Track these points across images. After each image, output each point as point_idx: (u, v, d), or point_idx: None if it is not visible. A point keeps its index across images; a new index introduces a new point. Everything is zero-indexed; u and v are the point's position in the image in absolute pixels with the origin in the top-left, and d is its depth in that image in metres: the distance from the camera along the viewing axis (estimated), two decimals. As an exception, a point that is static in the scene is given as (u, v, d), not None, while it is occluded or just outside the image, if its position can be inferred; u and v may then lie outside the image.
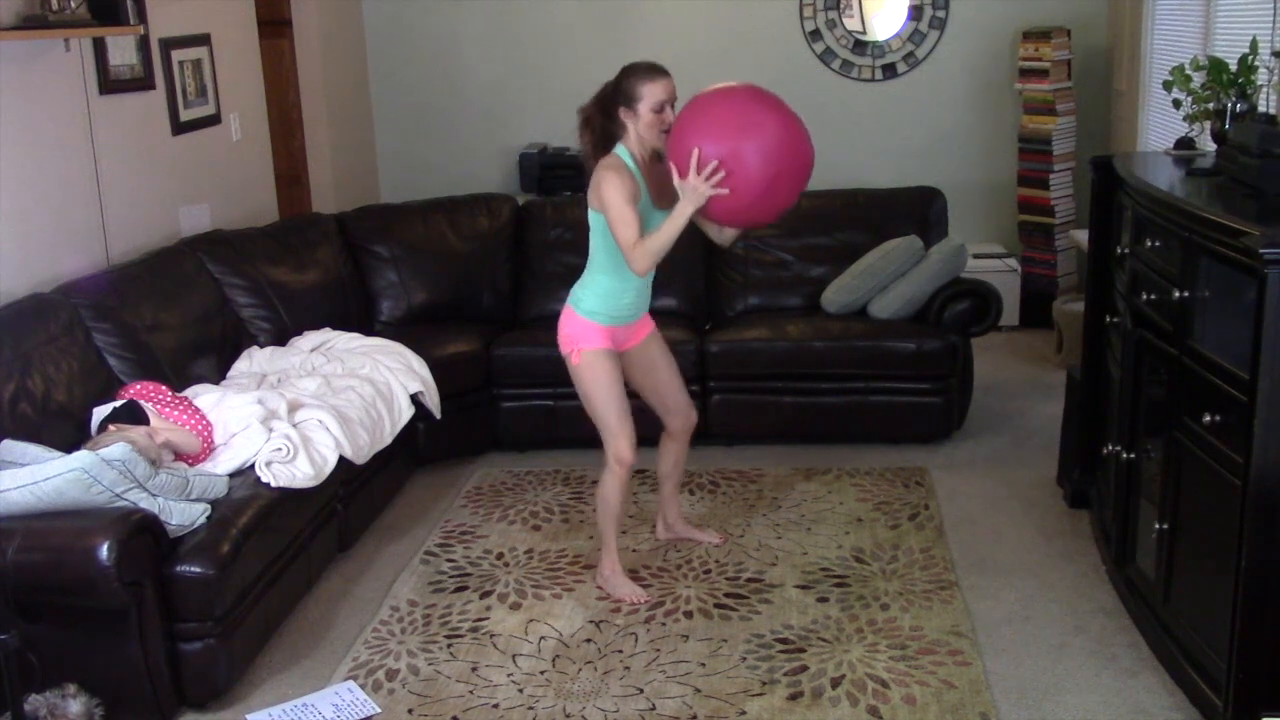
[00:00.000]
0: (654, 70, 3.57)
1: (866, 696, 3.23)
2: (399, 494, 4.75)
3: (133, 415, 3.63)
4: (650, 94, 3.53)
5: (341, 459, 3.98)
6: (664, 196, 3.59)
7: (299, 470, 3.74)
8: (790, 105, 3.49)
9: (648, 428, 3.97)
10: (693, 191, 3.37)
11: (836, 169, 6.79)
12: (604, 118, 3.63)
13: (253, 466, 3.71)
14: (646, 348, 3.87)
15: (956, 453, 4.98)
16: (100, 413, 3.73)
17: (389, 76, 7.24)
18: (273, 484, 3.64)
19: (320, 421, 4.01)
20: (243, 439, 3.80)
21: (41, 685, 3.04)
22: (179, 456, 3.70)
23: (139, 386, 3.89)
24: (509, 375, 5.07)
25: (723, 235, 3.82)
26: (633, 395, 3.86)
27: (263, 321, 4.90)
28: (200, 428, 3.79)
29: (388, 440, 4.38)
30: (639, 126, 3.57)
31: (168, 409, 3.79)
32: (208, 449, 3.78)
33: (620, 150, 3.61)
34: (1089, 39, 6.66)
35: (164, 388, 3.94)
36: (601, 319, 3.69)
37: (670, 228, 3.45)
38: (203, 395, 4.01)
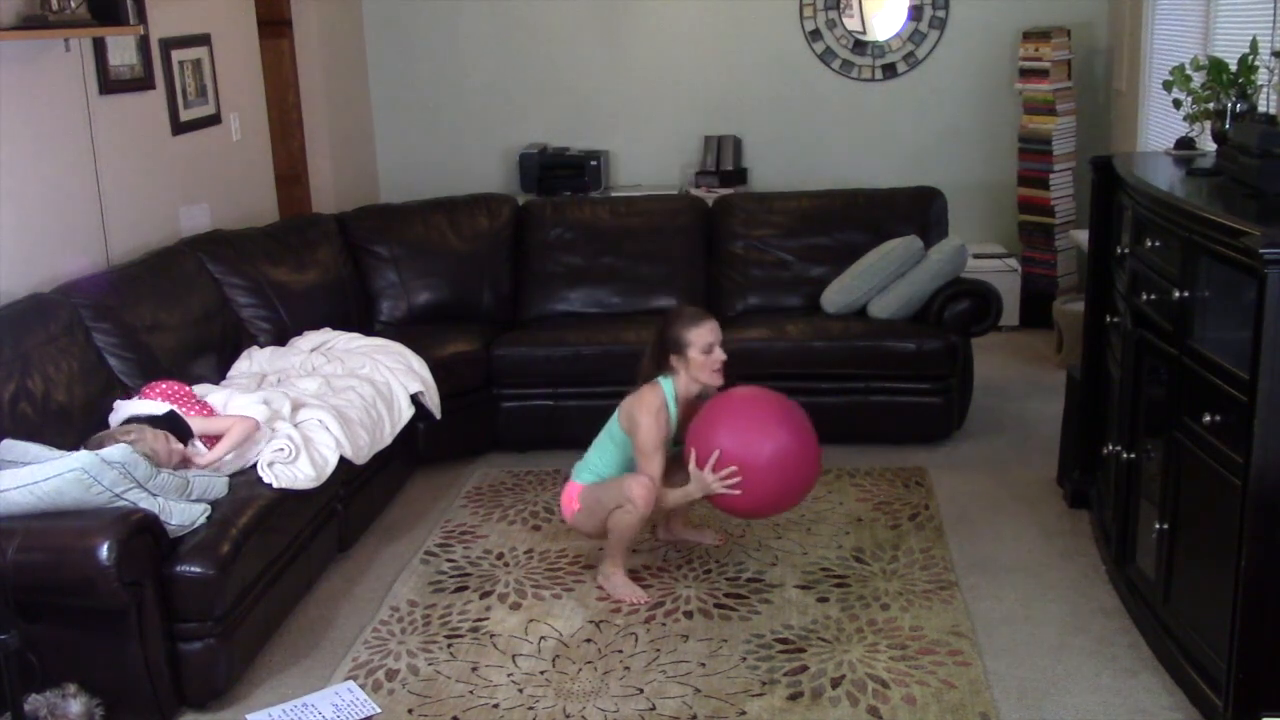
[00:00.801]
0: (697, 316, 3.78)
1: (866, 696, 3.23)
2: (399, 494, 4.75)
3: (174, 425, 3.64)
4: (698, 339, 3.72)
5: (342, 459, 3.98)
6: (684, 427, 3.80)
7: (300, 471, 3.74)
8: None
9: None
10: (702, 485, 3.63)
11: (836, 169, 6.82)
12: (657, 365, 3.80)
13: (253, 466, 3.71)
14: None
15: (956, 453, 4.98)
16: (127, 408, 3.74)
17: (389, 76, 7.25)
18: (275, 485, 3.64)
19: (321, 421, 4.01)
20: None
21: (41, 685, 3.04)
22: (210, 442, 3.73)
23: (165, 386, 3.90)
24: (509, 375, 5.07)
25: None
26: None
27: (263, 321, 4.90)
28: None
29: (388, 440, 4.38)
30: (690, 369, 3.74)
31: (193, 410, 3.81)
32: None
33: (665, 383, 3.76)
34: (1089, 39, 6.67)
35: (187, 388, 3.95)
36: None
37: (676, 497, 3.74)
38: (210, 395, 4.02)
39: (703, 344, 3.72)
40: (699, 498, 3.71)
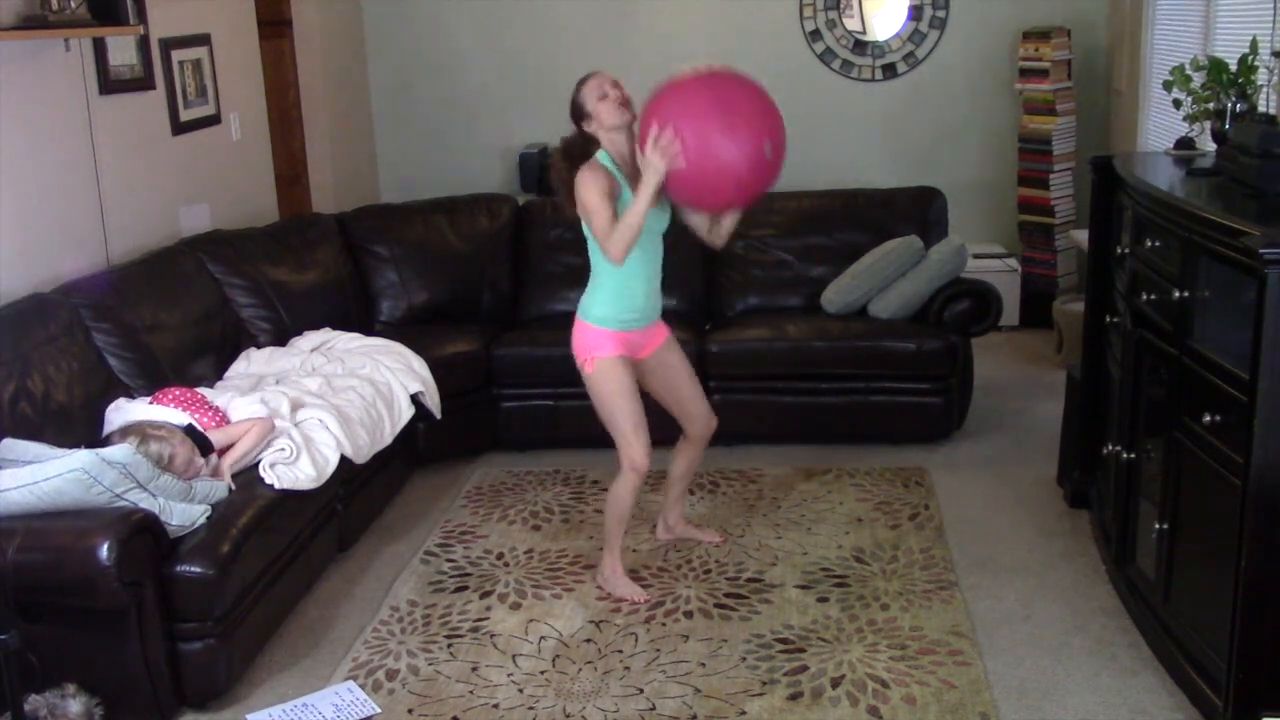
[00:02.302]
0: (581, 79, 3.72)
1: (866, 696, 3.23)
2: (399, 494, 4.75)
3: (195, 439, 3.64)
4: (590, 91, 3.66)
5: (343, 458, 3.98)
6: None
7: (302, 471, 3.74)
8: (771, 95, 3.53)
9: (664, 430, 3.97)
10: (647, 164, 3.43)
11: (837, 169, 6.81)
12: (580, 150, 3.69)
13: (254, 467, 3.71)
14: (663, 356, 3.87)
15: (956, 453, 4.97)
16: (136, 411, 3.74)
17: (389, 76, 7.24)
18: (277, 485, 3.64)
19: (320, 421, 4.02)
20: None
21: (41, 685, 3.04)
22: (221, 453, 3.73)
23: (178, 392, 3.90)
24: (509, 375, 5.07)
25: (714, 234, 3.83)
26: (650, 400, 3.87)
27: (263, 321, 4.90)
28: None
29: (388, 440, 4.38)
30: (601, 125, 3.64)
31: (206, 416, 3.81)
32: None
33: (600, 154, 3.67)
34: (1089, 39, 6.66)
35: (200, 394, 3.94)
36: (612, 324, 3.70)
37: (635, 206, 3.49)
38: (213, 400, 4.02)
39: (596, 94, 3.65)
40: (658, 181, 3.43)
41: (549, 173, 3.86)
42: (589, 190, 3.56)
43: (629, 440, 3.71)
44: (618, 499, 3.80)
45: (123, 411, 3.80)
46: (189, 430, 3.66)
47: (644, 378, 3.85)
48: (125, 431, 3.53)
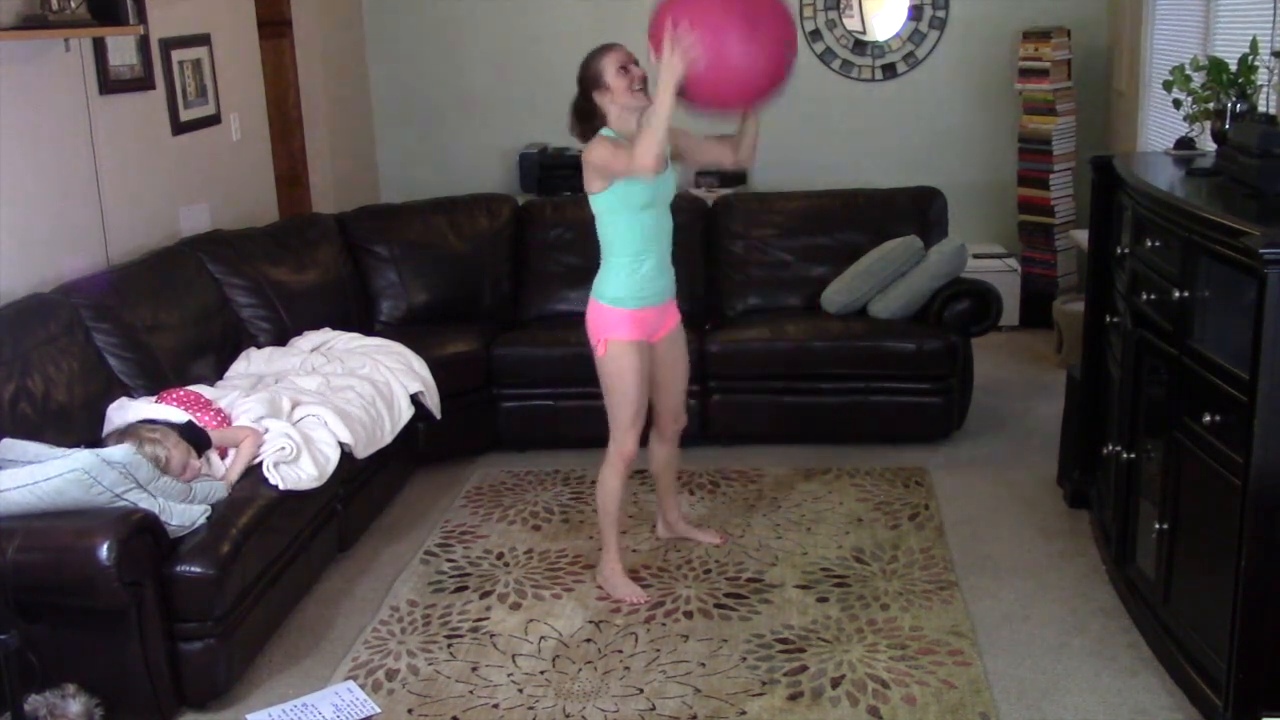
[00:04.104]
0: (602, 47, 3.63)
1: (866, 696, 3.23)
2: (399, 494, 4.75)
3: (193, 436, 3.64)
4: (609, 64, 3.58)
5: (343, 457, 3.98)
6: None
7: (303, 471, 3.75)
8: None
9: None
10: (666, 64, 3.36)
11: (837, 169, 6.81)
12: (586, 116, 3.64)
13: (256, 467, 3.71)
14: (670, 346, 3.86)
15: (956, 453, 4.97)
16: (138, 409, 3.74)
17: (389, 76, 7.24)
18: (281, 486, 3.64)
19: (318, 417, 4.01)
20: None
21: (41, 685, 3.04)
22: (223, 452, 3.73)
23: (181, 393, 3.90)
24: (509, 375, 5.07)
25: (741, 152, 3.75)
26: None
27: (263, 321, 4.90)
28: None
29: (388, 440, 4.38)
30: (616, 100, 3.59)
31: (208, 416, 3.81)
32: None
33: (605, 131, 3.63)
34: (1089, 39, 6.66)
35: (204, 396, 3.94)
36: (628, 303, 3.68)
37: (658, 110, 3.39)
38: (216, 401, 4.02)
39: (615, 67, 3.58)
40: (677, 81, 3.36)
41: (573, 130, 3.73)
42: (597, 148, 3.52)
43: (624, 429, 3.72)
44: (608, 487, 3.81)
45: (124, 410, 3.80)
46: (187, 427, 3.66)
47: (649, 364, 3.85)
48: (122, 434, 3.52)
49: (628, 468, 3.79)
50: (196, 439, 3.63)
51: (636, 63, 3.60)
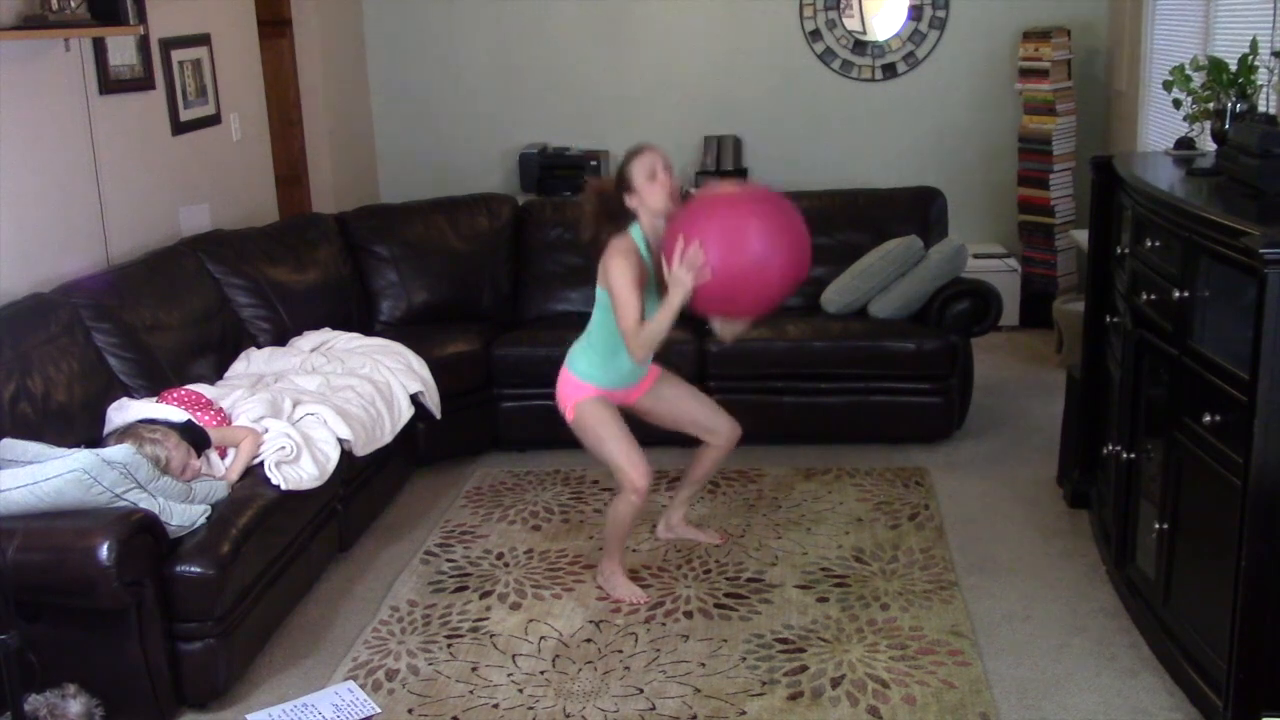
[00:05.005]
0: (636, 148, 3.68)
1: (866, 696, 3.23)
2: (399, 494, 4.75)
3: (192, 435, 3.64)
4: (640, 167, 3.62)
5: (343, 456, 3.98)
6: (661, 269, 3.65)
7: (304, 471, 3.75)
8: (794, 217, 3.59)
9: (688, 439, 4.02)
10: (675, 280, 3.43)
11: (837, 169, 6.82)
12: (617, 211, 3.67)
13: (257, 467, 3.71)
14: (658, 391, 3.89)
15: (956, 453, 4.97)
16: (139, 409, 3.74)
17: (389, 76, 7.24)
18: (283, 486, 3.64)
19: (316, 415, 4.01)
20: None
21: (41, 685, 3.04)
22: (223, 452, 3.73)
23: (182, 393, 3.90)
24: (509, 375, 5.07)
25: (725, 332, 3.82)
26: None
27: (263, 321, 4.90)
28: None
29: (388, 439, 4.38)
30: (644, 202, 3.62)
31: (210, 418, 3.81)
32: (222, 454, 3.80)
33: (633, 230, 3.66)
34: (1089, 39, 6.66)
35: (204, 396, 3.94)
36: (597, 383, 3.74)
37: (661, 317, 3.49)
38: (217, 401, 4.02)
39: (645, 171, 3.61)
40: (684, 299, 3.44)
41: (578, 213, 3.81)
42: (621, 277, 3.54)
43: (623, 468, 3.71)
44: (618, 518, 3.80)
45: (124, 410, 3.80)
46: (187, 426, 3.66)
47: (645, 414, 3.89)
48: (122, 434, 3.53)
49: (642, 500, 3.75)
50: (196, 438, 3.63)
51: (669, 166, 3.66)
